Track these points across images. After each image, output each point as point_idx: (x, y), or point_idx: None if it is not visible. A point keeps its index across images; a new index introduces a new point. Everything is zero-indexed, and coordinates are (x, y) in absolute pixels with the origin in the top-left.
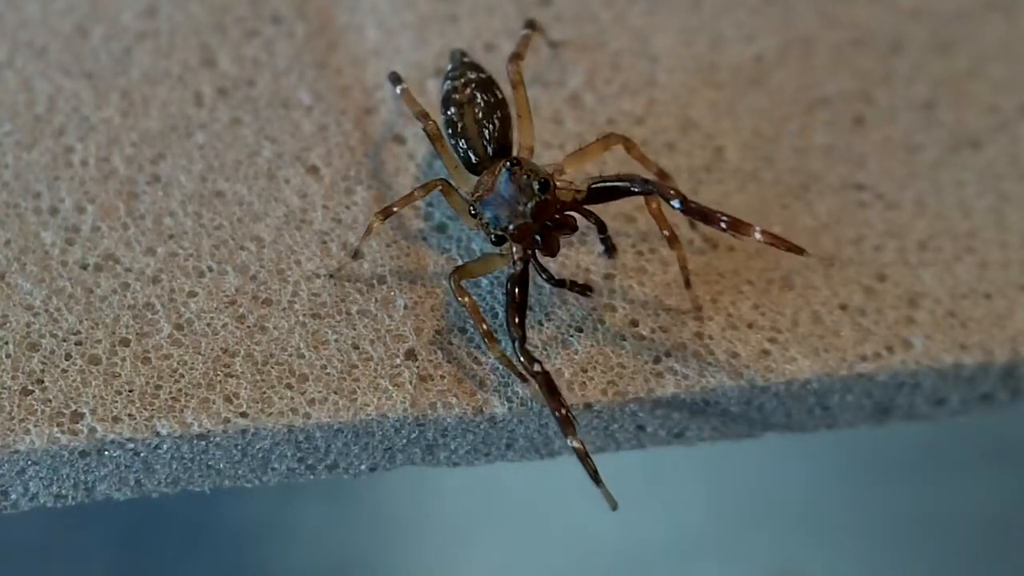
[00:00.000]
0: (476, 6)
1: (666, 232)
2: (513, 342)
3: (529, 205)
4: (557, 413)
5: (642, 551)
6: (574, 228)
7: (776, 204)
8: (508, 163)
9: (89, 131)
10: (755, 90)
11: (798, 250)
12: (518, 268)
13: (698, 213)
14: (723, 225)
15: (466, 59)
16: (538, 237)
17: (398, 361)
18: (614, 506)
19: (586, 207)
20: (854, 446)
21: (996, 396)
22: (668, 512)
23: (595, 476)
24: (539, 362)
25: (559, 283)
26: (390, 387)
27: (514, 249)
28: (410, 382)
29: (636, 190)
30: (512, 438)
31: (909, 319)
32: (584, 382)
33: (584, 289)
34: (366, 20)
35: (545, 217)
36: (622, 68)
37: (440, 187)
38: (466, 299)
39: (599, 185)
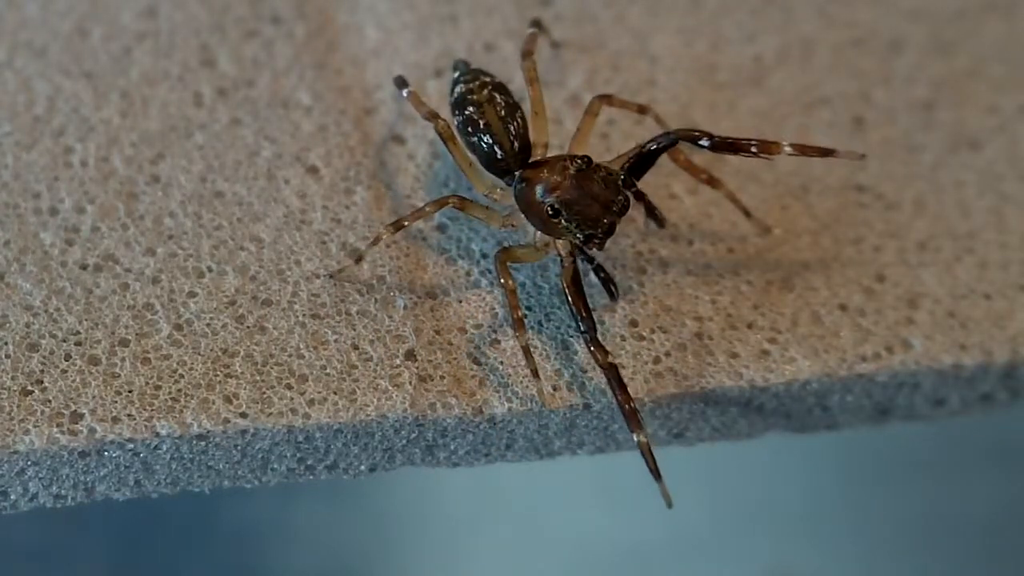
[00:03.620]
0: (476, 6)
1: (703, 176)
2: (585, 335)
3: (617, 204)
4: (625, 407)
5: (642, 551)
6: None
7: (776, 205)
8: (581, 161)
9: (89, 131)
10: (755, 90)
11: (828, 152)
12: (568, 264)
13: (726, 145)
14: (753, 149)
15: (472, 67)
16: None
17: (398, 361)
18: (670, 504)
19: (637, 190)
20: (854, 446)
21: (996, 396)
22: (668, 512)
23: (656, 472)
24: (611, 354)
25: (602, 270)
26: (390, 387)
27: (559, 245)
28: (410, 382)
29: (662, 145)
30: (512, 438)
31: (909, 319)
32: (584, 382)
33: (613, 289)
34: (366, 20)
35: (624, 213)
36: (622, 68)
37: (452, 203)
38: (509, 282)
39: (628, 165)
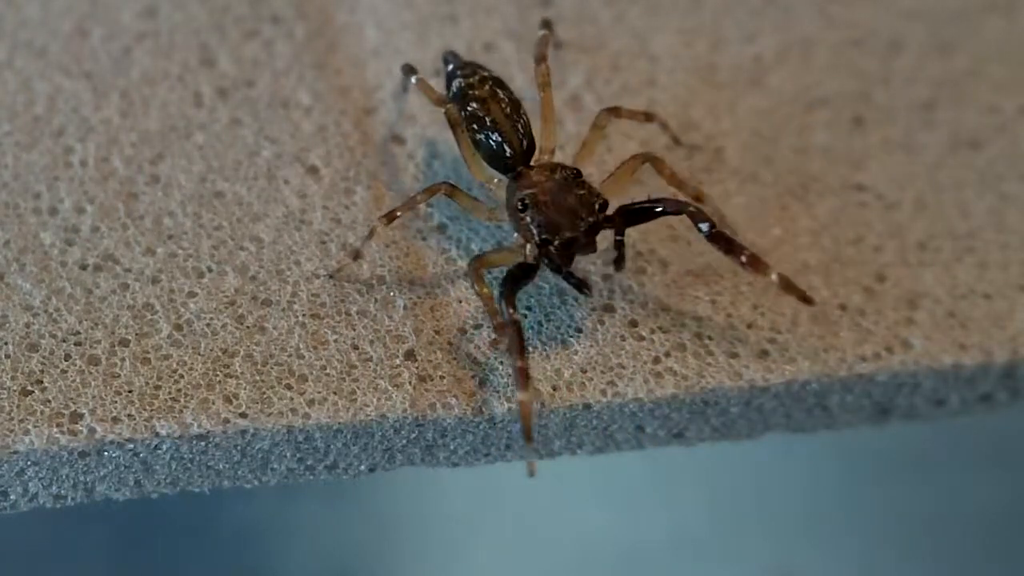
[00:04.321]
0: (476, 6)
1: (691, 191)
2: (502, 288)
3: (584, 223)
4: (517, 364)
5: (642, 551)
6: (594, 250)
7: (776, 205)
8: (570, 173)
9: (89, 131)
10: (755, 90)
11: (808, 300)
12: (529, 260)
13: (723, 241)
14: (743, 259)
15: (465, 59)
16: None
17: (397, 362)
18: (532, 472)
19: (615, 225)
20: (854, 446)
21: (996, 396)
22: (668, 512)
23: (528, 434)
24: (518, 311)
25: (572, 277)
26: (389, 388)
27: (528, 248)
28: (409, 383)
29: (668, 211)
30: (512, 438)
31: (908, 319)
32: (583, 382)
33: (582, 285)
34: (366, 20)
35: (593, 235)
36: (622, 68)
37: (443, 190)
38: (485, 290)
39: (631, 208)
